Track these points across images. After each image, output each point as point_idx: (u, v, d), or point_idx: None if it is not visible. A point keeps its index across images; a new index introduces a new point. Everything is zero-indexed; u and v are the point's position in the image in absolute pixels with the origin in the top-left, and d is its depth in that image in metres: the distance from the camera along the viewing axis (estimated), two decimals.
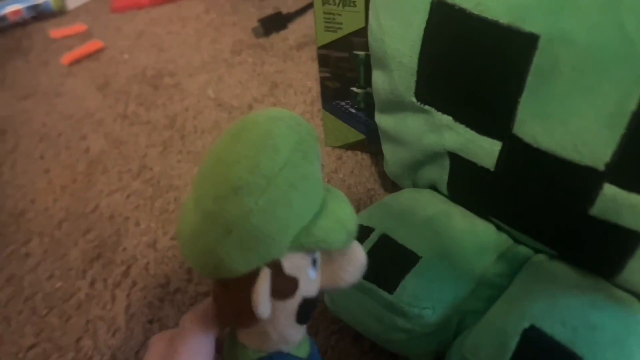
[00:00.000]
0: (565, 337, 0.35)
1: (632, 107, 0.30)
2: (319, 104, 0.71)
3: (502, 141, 0.36)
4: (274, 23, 0.85)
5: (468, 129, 0.38)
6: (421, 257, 0.41)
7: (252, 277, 0.24)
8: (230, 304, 0.26)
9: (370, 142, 0.63)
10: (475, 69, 0.35)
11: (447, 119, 0.39)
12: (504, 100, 0.34)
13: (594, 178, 0.33)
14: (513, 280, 0.42)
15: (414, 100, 0.40)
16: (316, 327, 0.48)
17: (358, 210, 0.52)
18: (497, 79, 0.34)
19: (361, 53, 0.55)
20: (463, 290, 0.41)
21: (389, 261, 0.41)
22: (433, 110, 0.40)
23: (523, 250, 0.44)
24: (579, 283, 0.39)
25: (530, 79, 0.33)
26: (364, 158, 0.64)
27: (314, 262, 0.28)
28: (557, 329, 0.35)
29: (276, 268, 0.25)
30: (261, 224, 0.23)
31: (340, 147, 0.65)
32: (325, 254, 0.28)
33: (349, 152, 0.65)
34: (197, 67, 0.80)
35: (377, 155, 0.64)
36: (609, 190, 0.33)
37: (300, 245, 0.25)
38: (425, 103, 0.40)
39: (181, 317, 0.30)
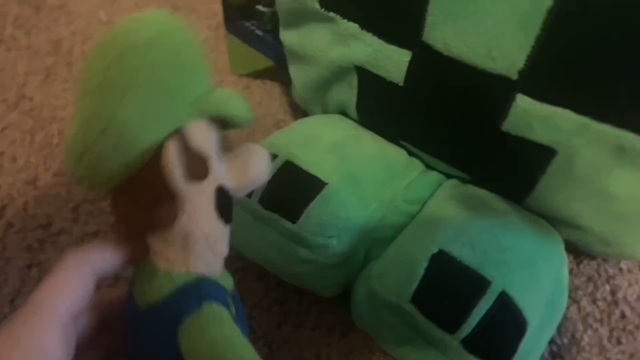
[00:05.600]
0: (474, 261, 0.33)
1: (548, 3, 0.27)
2: (224, 30, 0.65)
3: (411, 50, 0.33)
4: None
5: (375, 38, 0.34)
6: (327, 184, 0.37)
7: (155, 161, 0.23)
8: (140, 202, 0.24)
9: (280, 69, 0.58)
10: None
11: (353, 27, 0.35)
12: (412, 2, 0.31)
13: (507, 88, 0.31)
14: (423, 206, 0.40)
15: (318, 7, 0.36)
16: None
17: None
18: None
19: None
20: (371, 218, 0.38)
21: (293, 189, 0.37)
22: (338, 17, 0.35)
23: (434, 175, 0.41)
24: (490, 207, 0.38)
25: None
26: (273, 87, 0.59)
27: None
28: (466, 253, 0.34)
29: (181, 139, 0.23)
30: (153, 81, 0.23)
31: (247, 75, 0.60)
32: (230, 155, 0.27)
33: (257, 81, 0.60)
34: None
35: (287, 85, 0.59)
36: (522, 101, 0.31)
37: (201, 110, 0.25)
38: (330, 9, 0.35)
39: None
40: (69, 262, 0.24)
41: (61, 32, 0.65)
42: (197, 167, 0.24)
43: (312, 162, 0.38)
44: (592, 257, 0.45)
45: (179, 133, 0.24)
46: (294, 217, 0.36)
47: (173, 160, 0.23)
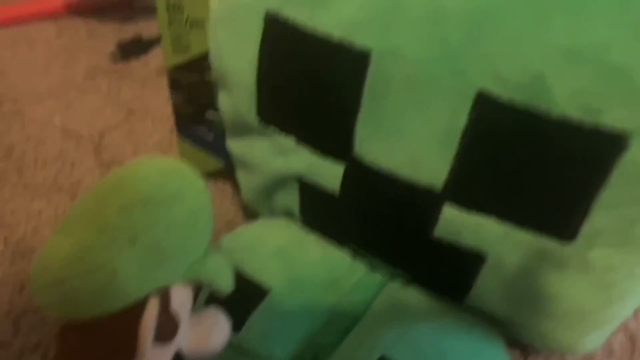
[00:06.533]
0: None
1: (462, 124, 0.29)
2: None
3: (344, 164, 0.35)
4: (133, 48, 0.80)
5: (311, 152, 0.36)
6: (270, 291, 0.38)
7: (131, 313, 0.22)
8: (96, 344, 0.23)
9: (230, 171, 0.59)
10: (312, 88, 0.33)
11: (290, 141, 0.37)
12: (342, 120, 0.33)
13: (434, 199, 0.32)
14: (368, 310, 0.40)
15: (257, 121, 0.38)
16: None
17: None
18: (333, 97, 0.33)
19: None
20: (316, 323, 0.38)
21: (236, 298, 0.37)
22: (276, 131, 0.37)
23: (378, 277, 0.42)
24: (431, 309, 0.38)
25: (365, 97, 0.31)
26: (225, 187, 0.61)
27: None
28: (407, 357, 0.34)
29: (164, 300, 0.23)
30: (166, 237, 0.22)
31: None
32: (194, 317, 0.27)
33: (210, 181, 0.61)
34: (44, 93, 0.73)
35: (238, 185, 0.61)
36: (449, 211, 0.32)
37: (192, 276, 0.24)
38: (268, 124, 0.37)
39: None
40: None
41: (14, 137, 0.65)
42: (166, 327, 0.24)
43: (255, 268, 0.39)
44: (539, 352, 0.46)
45: (162, 293, 0.23)
46: (236, 326, 0.36)
47: (151, 324, 0.23)
